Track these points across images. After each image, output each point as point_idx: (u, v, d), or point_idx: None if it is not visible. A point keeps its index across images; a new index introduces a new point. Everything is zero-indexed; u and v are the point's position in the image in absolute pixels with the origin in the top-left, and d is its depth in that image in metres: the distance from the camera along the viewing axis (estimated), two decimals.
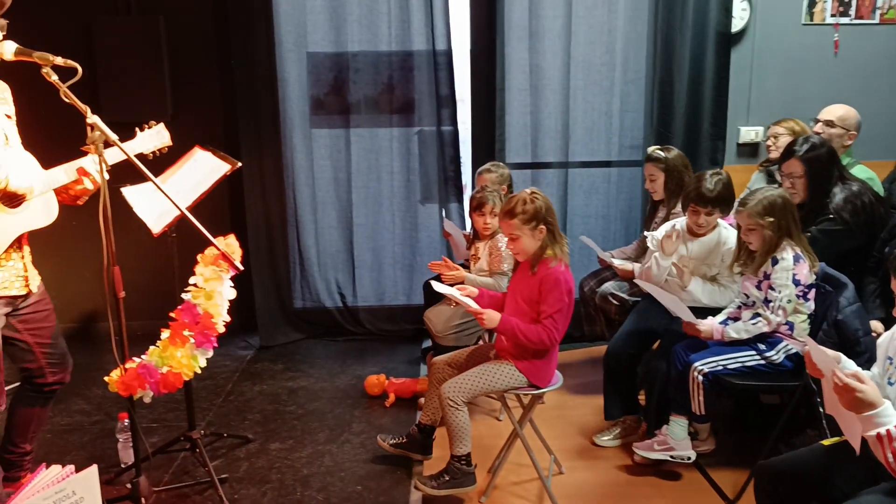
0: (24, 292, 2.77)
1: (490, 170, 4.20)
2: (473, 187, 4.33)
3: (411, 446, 3.41)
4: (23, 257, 2.77)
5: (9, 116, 2.73)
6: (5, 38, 2.55)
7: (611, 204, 5.01)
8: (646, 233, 3.77)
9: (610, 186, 4.99)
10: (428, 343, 4.65)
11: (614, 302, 3.98)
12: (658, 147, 3.99)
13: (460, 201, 4.95)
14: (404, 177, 5.00)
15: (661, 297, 3.30)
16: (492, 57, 4.73)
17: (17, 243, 2.72)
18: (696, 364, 3.12)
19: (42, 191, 2.69)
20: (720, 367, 3.11)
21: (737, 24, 4.70)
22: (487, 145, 4.87)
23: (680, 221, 3.57)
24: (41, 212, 2.73)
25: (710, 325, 3.21)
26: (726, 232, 3.47)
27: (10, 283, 2.71)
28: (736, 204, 3.32)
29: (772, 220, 3.05)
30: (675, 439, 3.24)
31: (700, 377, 3.10)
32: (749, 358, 3.13)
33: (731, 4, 4.60)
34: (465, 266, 4.19)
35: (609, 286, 4.06)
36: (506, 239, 3.20)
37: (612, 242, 4.86)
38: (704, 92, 4.66)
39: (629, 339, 3.58)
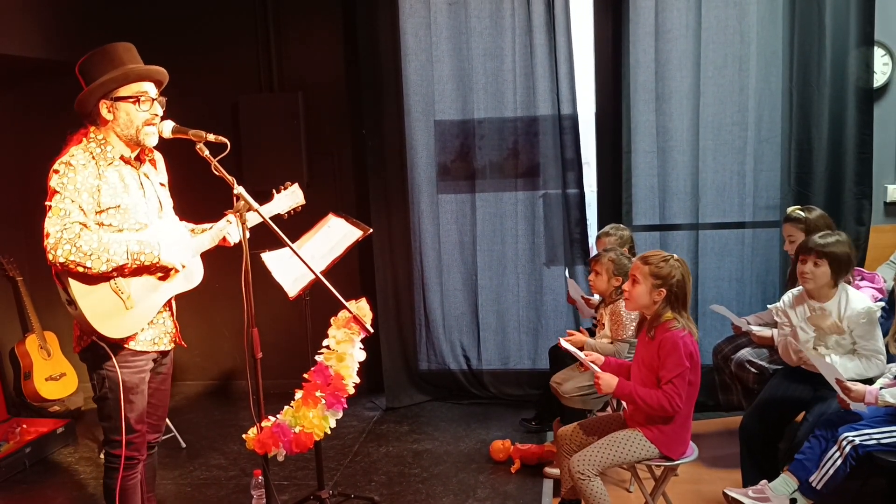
0: (170, 347, 2.95)
1: (609, 233, 4.17)
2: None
3: None
4: (172, 315, 2.96)
5: (163, 184, 2.96)
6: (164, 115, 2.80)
7: (745, 266, 4.81)
8: (769, 305, 3.56)
9: (744, 248, 4.80)
10: (530, 415, 4.55)
11: (752, 370, 3.77)
12: (798, 207, 3.83)
13: (586, 264, 4.90)
14: (529, 240, 5.01)
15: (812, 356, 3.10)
16: (617, 119, 4.73)
17: (167, 303, 2.91)
18: (848, 434, 2.87)
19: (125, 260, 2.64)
20: (873, 442, 2.85)
21: (878, 80, 4.50)
22: (614, 208, 4.83)
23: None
24: (184, 279, 2.90)
25: (863, 386, 2.94)
26: (854, 297, 3.20)
27: (160, 340, 2.88)
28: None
29: None
30: (775, 493, 2.96)
31: (848, 447, 2.83)
32: None
33: (873, 59, 4.40)
34: (592, 330, 4.12)
35: (746, 353, 3.85)
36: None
37: (748, 307, 4.64)
38: (846, 150, 4.45)
39: (768, 409, 3.37)
